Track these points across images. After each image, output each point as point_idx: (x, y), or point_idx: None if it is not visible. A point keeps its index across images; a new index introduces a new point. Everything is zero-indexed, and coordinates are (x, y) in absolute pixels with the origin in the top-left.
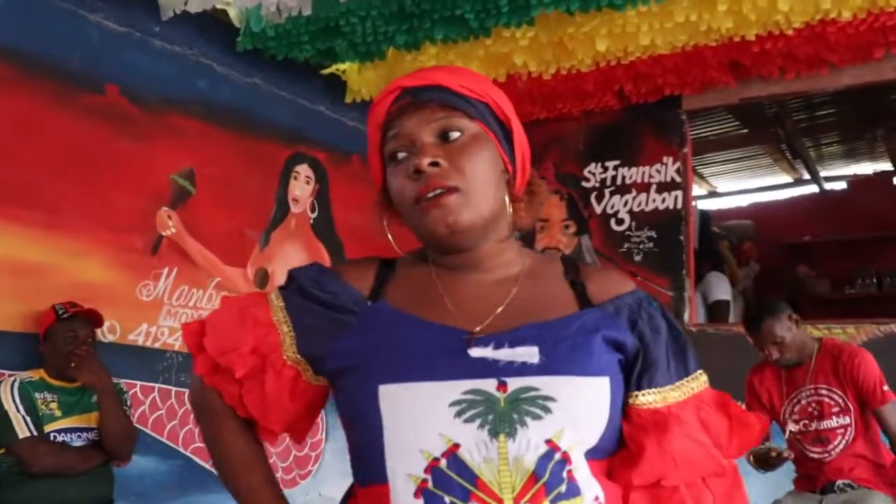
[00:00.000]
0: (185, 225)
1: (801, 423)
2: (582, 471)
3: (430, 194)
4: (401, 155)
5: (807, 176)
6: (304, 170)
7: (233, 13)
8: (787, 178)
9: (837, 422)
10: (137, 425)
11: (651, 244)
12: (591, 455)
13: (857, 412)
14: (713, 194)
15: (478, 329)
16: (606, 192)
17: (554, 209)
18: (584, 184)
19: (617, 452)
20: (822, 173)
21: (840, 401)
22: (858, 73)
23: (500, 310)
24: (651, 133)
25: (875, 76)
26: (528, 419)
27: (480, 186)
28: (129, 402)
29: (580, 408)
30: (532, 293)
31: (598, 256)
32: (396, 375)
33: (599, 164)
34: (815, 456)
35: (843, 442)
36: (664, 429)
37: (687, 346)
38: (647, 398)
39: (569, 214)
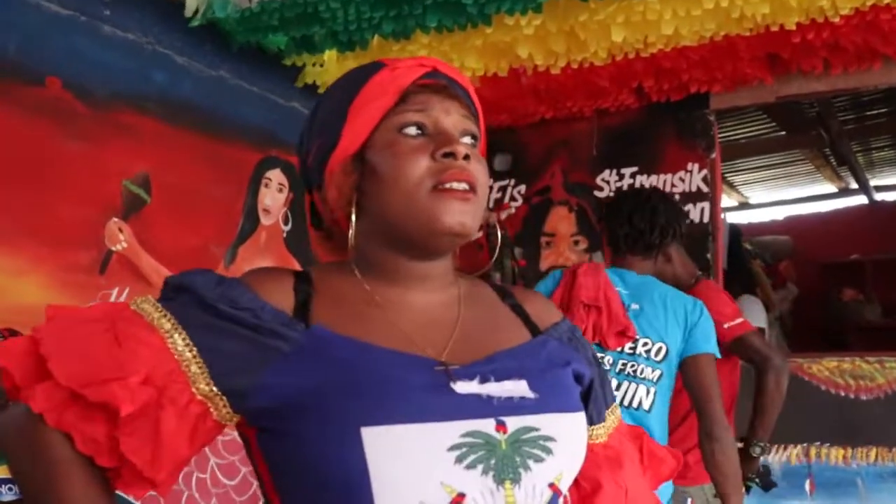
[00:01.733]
0: (138, 238)
1: None
2: None
3: (457, 185)
4: (415, 131)
5: (854, 185)
6: (276, 176)
7: (192, 1)
8: (831, 188)
9: None
10: None
11: None
12: None
13: None
14: (744, 206)
15: (444, 359)
16: None
17: (562, 222)
18: (596, 193)
19: None
20: (872, 182)
21: None
22: None
23: (455, 334)
24: (674, 136)
25: None
26: (530, 462)
27: (483, 200)
28: None
29: (575, 446)
30: (478, 317)
31: None
32: (379, 416)
33: (615, 171)
34: None
35: None
36: (618, 465)
37: (606, 374)
38: (598, 432)
39: (579, 228)
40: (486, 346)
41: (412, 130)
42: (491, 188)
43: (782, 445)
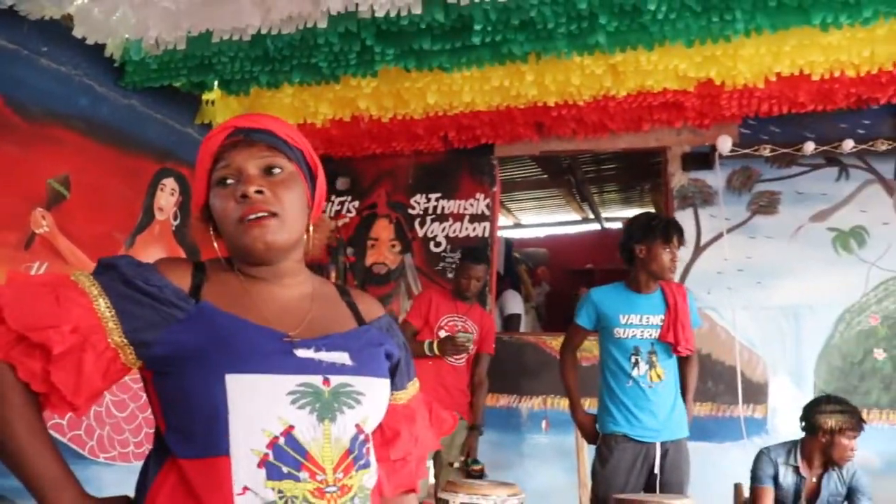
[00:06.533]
0: (57, 225)
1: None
2: (371, 448)
3: (253, 216)
4: (229, 181)
5: (591, 216)
6: (170, 183)
7: (111, 46)
8: (577, 216)
9: None
10: None
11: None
12: None
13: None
14: (518, 225)
15: (293, 334)
16: (428, 219)
17: (384, 230)
18: (410, 211)
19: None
20: (604, 214)
21: None
22: (631, 139)
23: (307, 319)
24: (468, 173)
25: (643, 143)
26: (345, 408)
27: (293, 214)
28: None
29: (378, 401)
30: (324, 308)
31: (418, 273)
32: (241, 367)
33: (424, 196)
34: None
35: None
36: (412, 420)
37: (410, 356)
38: (401, 395)
39: (396, 235)
40: (325, 329)
41: (226, 182)
42: (332, 201)
43: (528, 396)
